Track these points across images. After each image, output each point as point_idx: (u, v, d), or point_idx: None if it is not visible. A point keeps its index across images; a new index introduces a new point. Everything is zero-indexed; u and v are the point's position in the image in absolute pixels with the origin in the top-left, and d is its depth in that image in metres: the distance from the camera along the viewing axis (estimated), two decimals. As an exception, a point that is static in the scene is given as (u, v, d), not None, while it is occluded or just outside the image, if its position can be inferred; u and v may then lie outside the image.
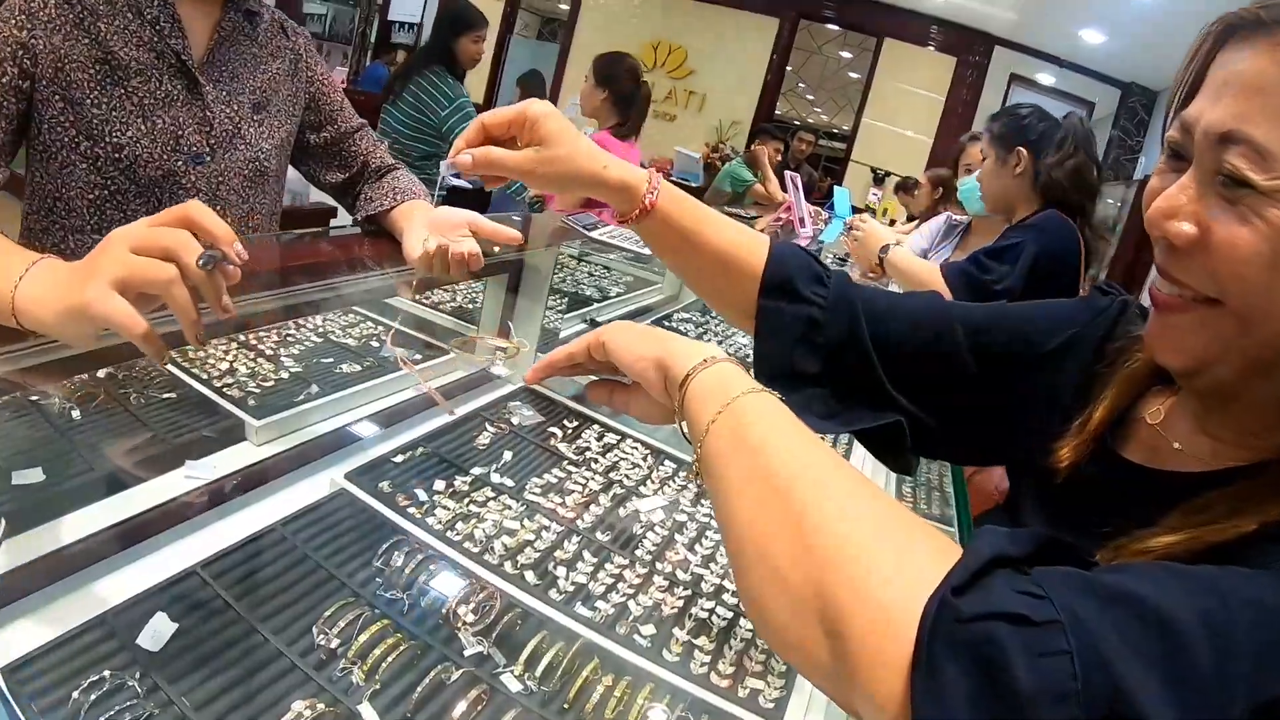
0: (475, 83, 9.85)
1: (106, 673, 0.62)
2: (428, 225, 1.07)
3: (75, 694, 0.60)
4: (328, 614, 0.73)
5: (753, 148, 5.47)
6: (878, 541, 0.46)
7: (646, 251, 1.91)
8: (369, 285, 1.19)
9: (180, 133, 1.14)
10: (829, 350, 0.79)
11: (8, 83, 1.05)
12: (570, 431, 1.18)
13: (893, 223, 4.40)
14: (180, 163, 1.13)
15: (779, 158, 5.44)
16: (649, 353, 0.61)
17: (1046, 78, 8.38)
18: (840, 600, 0.44)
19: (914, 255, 2.15)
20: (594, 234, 1.79)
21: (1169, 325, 0.59)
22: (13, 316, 0.69)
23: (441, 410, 1.12)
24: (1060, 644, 0.38)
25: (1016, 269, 1.90)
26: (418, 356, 1.29)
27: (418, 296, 1.40)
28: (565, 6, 10.51)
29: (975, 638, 0.39)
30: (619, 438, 1.21)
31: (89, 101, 1.09)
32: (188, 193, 1.15)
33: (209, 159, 1.16)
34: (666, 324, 1.94)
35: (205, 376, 1.09)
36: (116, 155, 1.11)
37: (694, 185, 5.53)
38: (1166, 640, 0.38)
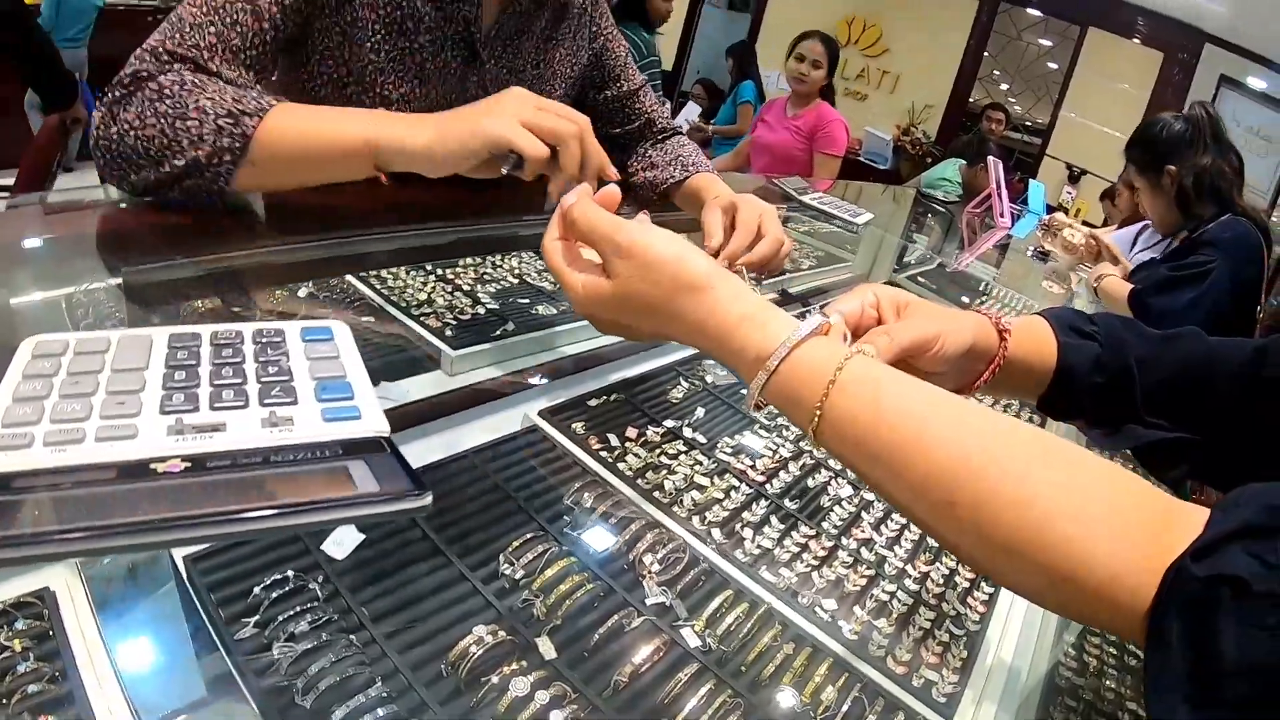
0: (666, 46, 9.90)
1: (290, 572, 0.61)
2: (726, 209, 1.02)
3: (257, 589, 0.59)
4: (515, 545, 0.72)
5: (976, 172, 5.29)
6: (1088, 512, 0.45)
7: (859, 220, 1.87)
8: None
9: (451, 106, 1.11)
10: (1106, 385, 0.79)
11: (290, 3, 0.98)
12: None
13: (1085, 223, 4.18)
14: None
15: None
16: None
17: (1258, 82, 7.75)
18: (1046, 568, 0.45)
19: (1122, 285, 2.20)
20: (806, 199, 1.75)
21: None
22: (366, 149, 0.81)
23: (635, 361, 1.09)
24: (1268, 619, 0.37)
25: (1199, 295, 1.97)
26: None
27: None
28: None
29: (1204, 599, 0.39)
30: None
31: (369, 45, 1.03)
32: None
33: None
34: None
35: (404, 304, 1.10)
36: (383, 109, 1.05)
37: (881, 167, 5.38)
38: None
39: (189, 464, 0.46)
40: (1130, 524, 0.44)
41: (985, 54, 9.25)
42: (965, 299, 2.24)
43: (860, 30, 9.27)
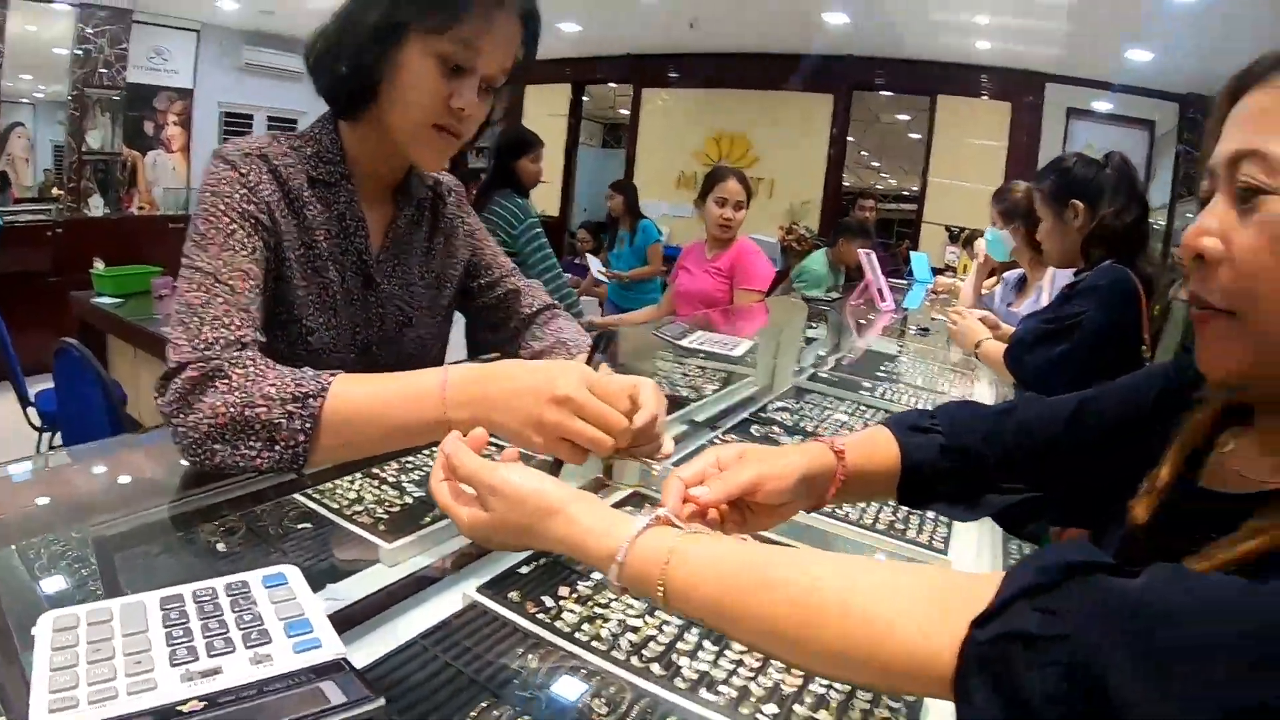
0: (549, 192, 10.22)
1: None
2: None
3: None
4: (472, 715, 0.79)
5: (839, 245, 5.50)
6: (902, 608, 0.56)
7: (734, 353, 2.00)
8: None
9: (356, 327, 1.21)
10: (955, 468, 0.93)
11: (260, 258, 1.08)
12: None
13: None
14: (352, 355, 1.21)
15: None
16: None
17: (1103, 105, 8.36)
18: (878, 663, 0.55)
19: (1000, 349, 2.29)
20: (682, 342, 1.88)
21: (1204, 338, 0.68)
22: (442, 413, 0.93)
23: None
24: (1059, 655, 0.47)
25: (1072, 346, 2.04)
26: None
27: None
28: (626, 111, 10.86)
29: (993, 656, 0.49)
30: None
31: (294, 281, 1.14)
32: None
33: (376, 350, 1.24)
34: (763, 414, 1.99)
35: (336, 506, 1.18)
36: (308, 338, 1.17)
37: (776, 270, 5.61)
38: (1154, 643, 0.45)
39: (205, 703, 0.58)
40: (935, 607, 0.54)
41: (849, 139, 9.77)
42: (868, 385, 2.39)
43: (729, 145, 9.78)
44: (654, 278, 5.40)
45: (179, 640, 0.66)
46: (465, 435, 0.80)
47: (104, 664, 0.62)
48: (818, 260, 5.46)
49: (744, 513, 0.85)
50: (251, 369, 0.97)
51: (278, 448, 0.94)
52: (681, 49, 9.53)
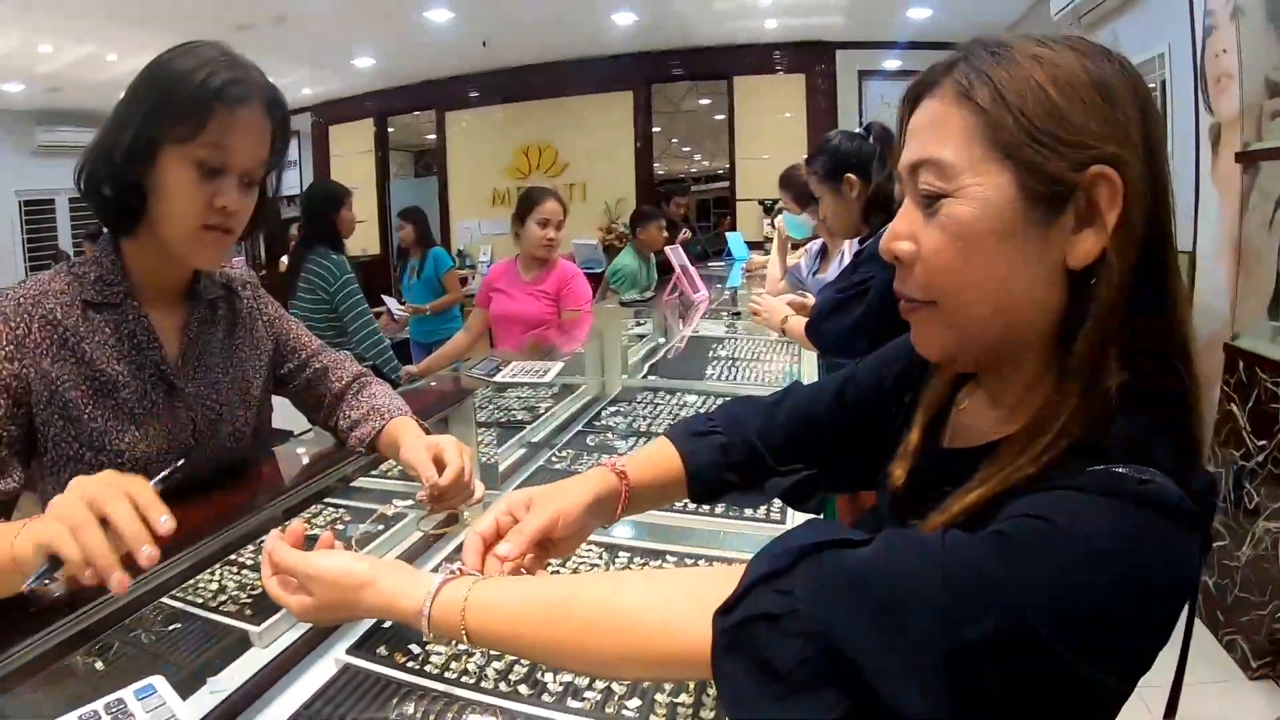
0: (369, 233, 10.04)
1: None
2: (430, 448, 1.24)
3: None
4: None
5: (638, 235, 5.58)
6: (660, 610, 0.67)
7: (547, 379, 2.10)
8: (331, 480, 1.41)
9: (170, 434, 1.24)
10: (739, 461, 1.04)
11: (3, 415, 1.11)
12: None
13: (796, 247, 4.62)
14: (175, 458, 1.22)
15: (664, 235, 5.58)
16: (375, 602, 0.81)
17: (892, 63, 8.75)
18: (651, 660, 0.67)
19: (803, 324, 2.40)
20: (496, 378, 1.98)
21: (915, 326, 0.78)
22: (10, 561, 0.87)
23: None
24: (798, 626, 0.57)
25: (864, 311, 2.13)
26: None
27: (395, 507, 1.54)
28: (433, 137, 10.76)
29: (739, 637, 0.60)
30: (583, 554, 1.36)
31: (85, 417, 1.17)
32: (180, 481, 1.20)
33: (195, 449, 1.28)
34: (597, 423, 2.10)
35: (201, 600, 1.23)
36: (119, 461, 1.20)
37: (599, 271, 5.67)
38: (876, 602, 0.57)
39: None
40: (688, 602, 0.66)
41: (655, 130, 9.96)
42: (710, 371, 2.52)
43: (538, 155, 9.80)
44: (455, 304, 5.28)
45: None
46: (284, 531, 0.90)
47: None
48: (626, 256, 5.50)
49: (545, 548, 0.94)
50: None
51: None
52: (478, 69, 9.50)
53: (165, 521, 0.82)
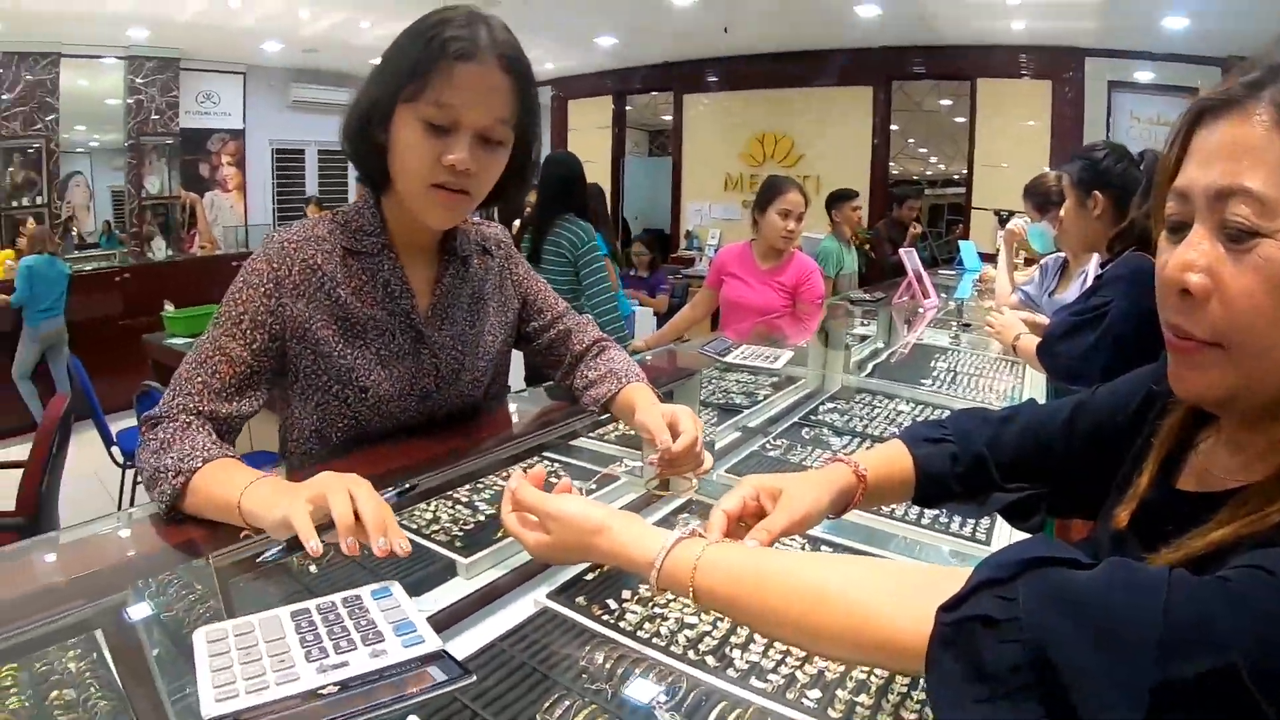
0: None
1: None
2: (664, 415, 1.27)
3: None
4: (546, 706, 0.91)
5: (833, 216, 5.48)
6: (881, 597, 0.68)
7: (776, 366, 2.09)
8: (553, 437, 1.51)
9: (413, 378, 1.33)
10: (965, 471, 1.04)
11: (258, 348, 1.21)
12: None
13: (1029, 262, 4.41)
14: (413, 401, 1.34)
15: (858, 213, 5.59)
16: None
17: (1144, 75, 8.09)
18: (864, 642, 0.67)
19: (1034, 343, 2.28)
20: (727, 358, 1.98)
21: (1182, 365, 0.72)
22: (239, 515, 1.00)
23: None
24: (1015, 633, 0.56)
25: (1100, 336, 2.00)
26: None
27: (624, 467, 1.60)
28: (669, 118, 10.90)
29: (958, 635, 0.59)
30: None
31: (335, 354, 1.26)
32: (417, 419, 1.37)
33: (435, 394, 1.37)
34: (814, 417, 2.08)
35: (415, 526, 1.30)
36: (363, 395, 1.29)
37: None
38: (1096, 624, 0.54)
39: (338, 686, 0.76)
40: (908, 596, 0.65)
41: (893, 129, 9.67)
42: (917, 381, 2.45)
43: (773, 145, 9.71)
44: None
45: (311, 643, 0.82)
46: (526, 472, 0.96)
47: (254, 663, 0.78)
48: (827, 240, 5.41)
49: None
50: (177, 435, 1.12)
51: (162, 499, 1.08)
52: (718, 53, 9.56)
53: (402, 546, 0.90)
